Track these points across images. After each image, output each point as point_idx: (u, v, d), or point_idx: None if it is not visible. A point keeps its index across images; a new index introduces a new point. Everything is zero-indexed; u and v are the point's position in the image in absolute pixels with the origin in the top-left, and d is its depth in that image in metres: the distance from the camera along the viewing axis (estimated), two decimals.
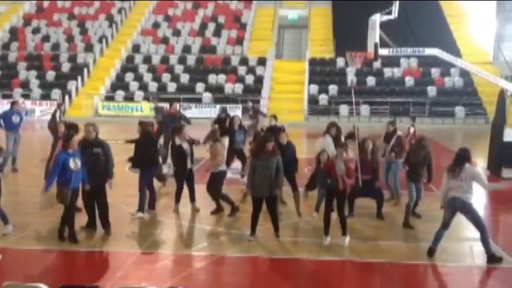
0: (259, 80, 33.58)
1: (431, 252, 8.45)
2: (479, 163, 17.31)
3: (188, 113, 30.24)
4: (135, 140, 10.78)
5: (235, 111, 27.34)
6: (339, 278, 8.10)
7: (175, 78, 33.86)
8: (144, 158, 10.38)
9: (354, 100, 25.49)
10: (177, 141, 10.48)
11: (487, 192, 8.07)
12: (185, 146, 10.46)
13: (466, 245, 9.15)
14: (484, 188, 8.11)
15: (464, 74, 31.96)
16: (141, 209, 10.36)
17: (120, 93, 32.73)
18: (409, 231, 9.92)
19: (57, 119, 13.81)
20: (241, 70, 34.43)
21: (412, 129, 14.46)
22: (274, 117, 13.62)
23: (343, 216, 9.13)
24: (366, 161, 10.28)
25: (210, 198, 10.77)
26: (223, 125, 15.36)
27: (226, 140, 14.11)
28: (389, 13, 15.53)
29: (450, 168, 8.29)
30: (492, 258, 8.26)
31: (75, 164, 8.62)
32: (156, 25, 39.33)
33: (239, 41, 37.08)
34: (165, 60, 35.64)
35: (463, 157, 8.26)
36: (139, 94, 32.45)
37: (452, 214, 8.36)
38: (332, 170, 8.92)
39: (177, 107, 17.71)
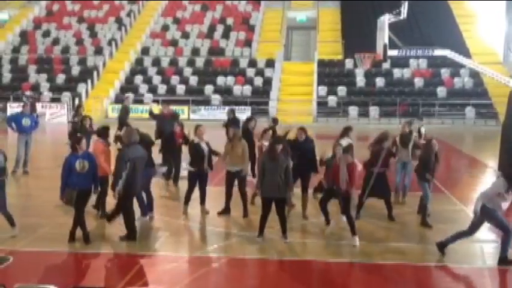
0: (267, 82, 33.60)
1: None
2: (490, 164, 17.21)
3: (197, 115, 30.64)
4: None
5: (245, 112, 27.32)
6: (348, 280, 8.07)
7: (184, 80, 33.96)
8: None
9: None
10: (196, 139, 10.48)
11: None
12: (203, 145, 10.41)
13: (477, 246, 9.10)
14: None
15: (474, 74, 31.76)
16: (143, 213, 10.20)
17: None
18: (418, 231, 9.90)
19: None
20: (250, 72, 34.47)
21: (423, 130, 14.40)
22: (274, 119, 13.62)
23: (350, 217, 9.16)
24: (381, 154, 10.36)
25: (218, 200, 10.77)
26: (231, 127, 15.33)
27: None
28: (398, 14, 15.52)
29: None
30: (504, 260, 8.20)
31: (81, 165, 8.68)
32: (165, 28, 39.48)
33: (247, 43, 37.12)
34: (174, 62, 35.77)
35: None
36: (148, 96, 32.56)
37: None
38: (337, 174, 9.06)
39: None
